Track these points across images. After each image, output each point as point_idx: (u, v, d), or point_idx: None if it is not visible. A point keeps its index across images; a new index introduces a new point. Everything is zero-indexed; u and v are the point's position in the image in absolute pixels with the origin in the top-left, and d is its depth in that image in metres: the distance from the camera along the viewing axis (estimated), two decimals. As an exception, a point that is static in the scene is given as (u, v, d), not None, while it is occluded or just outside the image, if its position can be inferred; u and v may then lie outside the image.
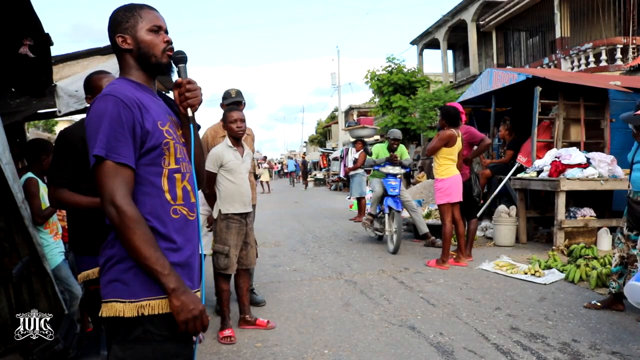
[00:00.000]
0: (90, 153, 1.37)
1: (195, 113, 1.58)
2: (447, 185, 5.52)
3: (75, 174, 2.38)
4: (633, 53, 12.41)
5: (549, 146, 7.00)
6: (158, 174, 1.46)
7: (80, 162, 2.33)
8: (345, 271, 5.60)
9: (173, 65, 1.57)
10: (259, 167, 20.37)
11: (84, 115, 2.53)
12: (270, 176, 27.00)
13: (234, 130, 3.52)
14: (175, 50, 1.57)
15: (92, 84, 2.52)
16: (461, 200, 5.62)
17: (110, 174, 1.36)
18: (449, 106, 5.88)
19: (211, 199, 3.68)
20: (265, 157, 24.90)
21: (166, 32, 1.56)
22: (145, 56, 1.52)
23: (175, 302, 1.36)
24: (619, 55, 12.32)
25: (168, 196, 1.47)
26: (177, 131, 1.57)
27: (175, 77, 1.61)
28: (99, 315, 1.42)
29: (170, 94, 1.72)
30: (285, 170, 34.96)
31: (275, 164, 42.96)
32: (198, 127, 1.62)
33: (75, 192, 2.38)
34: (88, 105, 2.35)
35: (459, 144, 5.58)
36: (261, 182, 21.19)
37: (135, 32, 1.50)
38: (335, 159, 22.89)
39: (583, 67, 12.79)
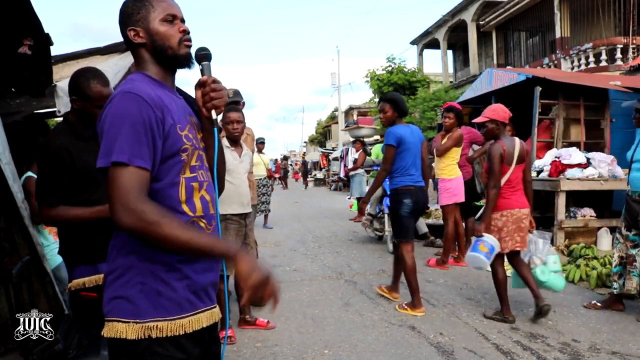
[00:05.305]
0: (103, 155, 1.23)
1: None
2: (455, 185, 5.51)
3: (67, 189, 2.14)
4: (633, 53, 12.40)
5: (549, 146, 6.99)
6: (175, 183, 1.32)
7: (69, 175, 2.13)
8: (345, 271, 5.59)
9: (195, 61, 1.44)
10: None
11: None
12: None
13: (229, 131, 3.53)
14: (199, 46, 1.45)
15: (86, 92, 2.18)
16: (464, 200, 5.63)
17: (128, 178, 1.20)
18: (457, 106, 5.86)
19: None
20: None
21: (182, 21, 1.41)
22: (160, 49, 1.37)
23: (242, 267, 1.22)
24: (619, 55, 12.30)
25: (185, 208, 1.33)
26: (197, 134, 1.42)
27: (197, 74, 1.47)
28: (102, 334, 1.30)
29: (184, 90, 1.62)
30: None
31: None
32: (220, 130, 1.49)
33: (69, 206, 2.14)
34: (76, 108, 2.21)
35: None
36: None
37: (147, 24, 1.36)
38: (335, 159, 22.91)
39: (583, 67, 12.79)
